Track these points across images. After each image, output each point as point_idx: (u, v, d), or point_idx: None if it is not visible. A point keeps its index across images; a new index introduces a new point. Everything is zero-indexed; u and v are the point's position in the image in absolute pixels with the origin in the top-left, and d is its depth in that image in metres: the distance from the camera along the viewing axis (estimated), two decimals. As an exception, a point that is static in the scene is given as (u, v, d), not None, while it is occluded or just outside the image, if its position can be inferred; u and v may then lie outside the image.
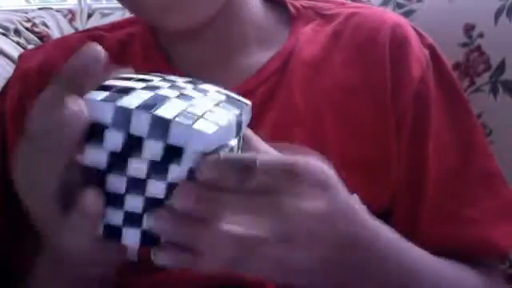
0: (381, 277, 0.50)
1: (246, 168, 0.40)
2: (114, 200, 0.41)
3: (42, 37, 1.00)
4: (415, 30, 0.70)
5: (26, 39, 0.98)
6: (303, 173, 0.42)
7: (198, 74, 0.67)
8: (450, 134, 0.67)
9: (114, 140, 0.39)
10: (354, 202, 0.48)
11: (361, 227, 0.47)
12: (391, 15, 0.71)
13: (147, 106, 0.39)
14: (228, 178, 0.40)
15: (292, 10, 0.71)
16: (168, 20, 0.61)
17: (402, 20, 0.71)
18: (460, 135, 0.68)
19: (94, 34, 0.72)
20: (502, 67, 0.88)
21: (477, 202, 0.66)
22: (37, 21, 1.01)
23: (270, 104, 0.64)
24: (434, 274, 0.58)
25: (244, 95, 0.66)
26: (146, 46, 0.70)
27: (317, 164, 0.44)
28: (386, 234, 0.51)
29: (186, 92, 0.42)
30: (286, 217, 0.42)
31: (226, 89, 0.46)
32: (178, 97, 0.41)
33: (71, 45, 0.70)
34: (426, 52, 0.68)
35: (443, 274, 0.59)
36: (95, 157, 0.40)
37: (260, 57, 0.67)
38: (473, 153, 0.67)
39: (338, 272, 0.46)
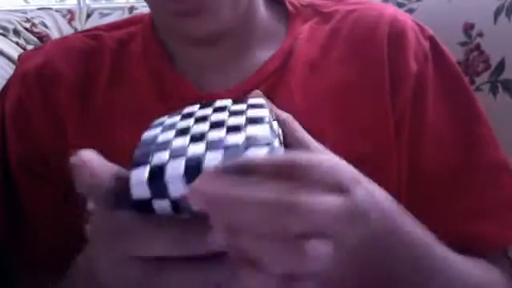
0: (410, 277, 0.47)
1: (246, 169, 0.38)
2: None
3: (41, 37, 0.99)
4: (415, 22, 0.69)
5: (26, 39, 0.98)
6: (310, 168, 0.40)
7: (200, 72, 0.67)
8: (450, 127, 0.66)
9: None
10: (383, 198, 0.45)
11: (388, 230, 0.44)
12: (390, 10, 0.70)
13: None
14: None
15: (290, 7, 0.71)
16: (191, 25, 0.61)
17: (401, 14, 0.70)
18: (462, 128, 0.66)
19: (93, 34, 0.72)
20: (501, 66, 0.88)
21: (481, 195, 0.64)
22: (36, 21, 1.01)
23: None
24: (461, 273, 0.54)
25: (245, 94, 0.66)
26: (147, 44, 0.69)
27: (325, 159, 0.42)
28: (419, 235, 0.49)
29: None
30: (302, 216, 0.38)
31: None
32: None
33: (71, 45, 0.70)
34: (426, 44, 0.68)
35: (469, 273, 0.56)
36: None
37: (261, 55, 0.67)
38: (477, 145, 0.66)
39: (364, 271, 0.42)
